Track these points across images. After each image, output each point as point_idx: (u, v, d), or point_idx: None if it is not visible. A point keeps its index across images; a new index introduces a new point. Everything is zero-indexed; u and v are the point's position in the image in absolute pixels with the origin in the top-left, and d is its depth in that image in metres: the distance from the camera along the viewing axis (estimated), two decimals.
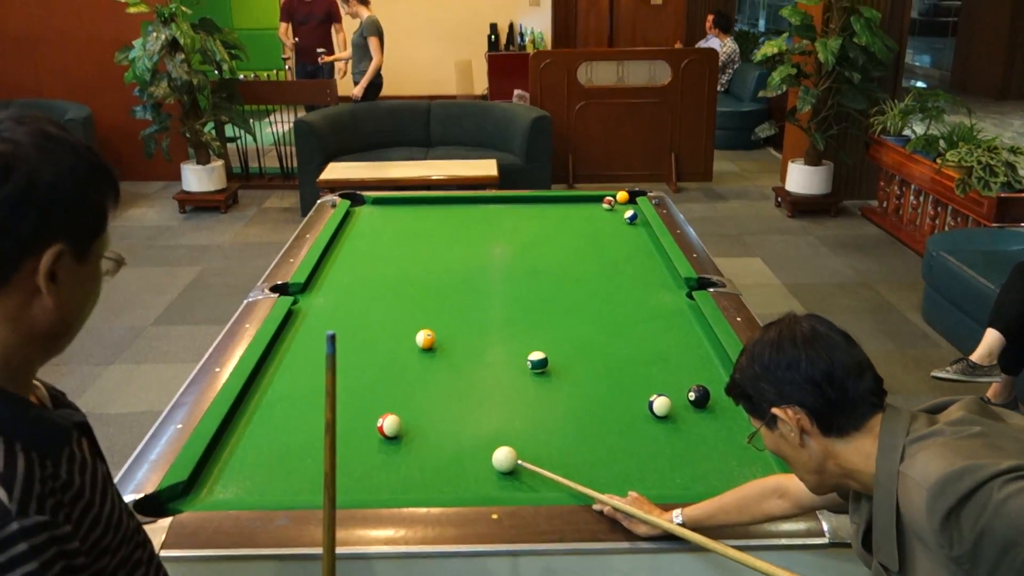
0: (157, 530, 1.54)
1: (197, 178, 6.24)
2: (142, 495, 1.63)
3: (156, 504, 1.64)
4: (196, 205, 6.33)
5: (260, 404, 2.07)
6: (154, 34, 5.75)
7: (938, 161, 4.93)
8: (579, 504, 1.64)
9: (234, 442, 1.90)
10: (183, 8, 5.86)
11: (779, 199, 6.39)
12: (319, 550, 1.49)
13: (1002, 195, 4.43)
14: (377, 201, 3.77)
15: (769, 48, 5.97)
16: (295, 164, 6.28)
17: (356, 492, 1.71)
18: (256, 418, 2.01)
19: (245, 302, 2.61)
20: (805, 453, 1.27)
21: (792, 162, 6.27)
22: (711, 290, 2.67)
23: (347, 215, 3.55)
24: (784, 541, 1.55)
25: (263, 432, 1.95)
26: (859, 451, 1.23)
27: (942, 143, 5.10)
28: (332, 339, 1.18)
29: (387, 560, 1.53)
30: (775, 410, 1.25)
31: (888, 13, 5.94)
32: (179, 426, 1.90)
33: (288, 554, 1.51)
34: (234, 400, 2.02)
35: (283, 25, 7.58)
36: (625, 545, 1.54)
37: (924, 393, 3.67)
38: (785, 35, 6.12)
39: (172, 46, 5.78)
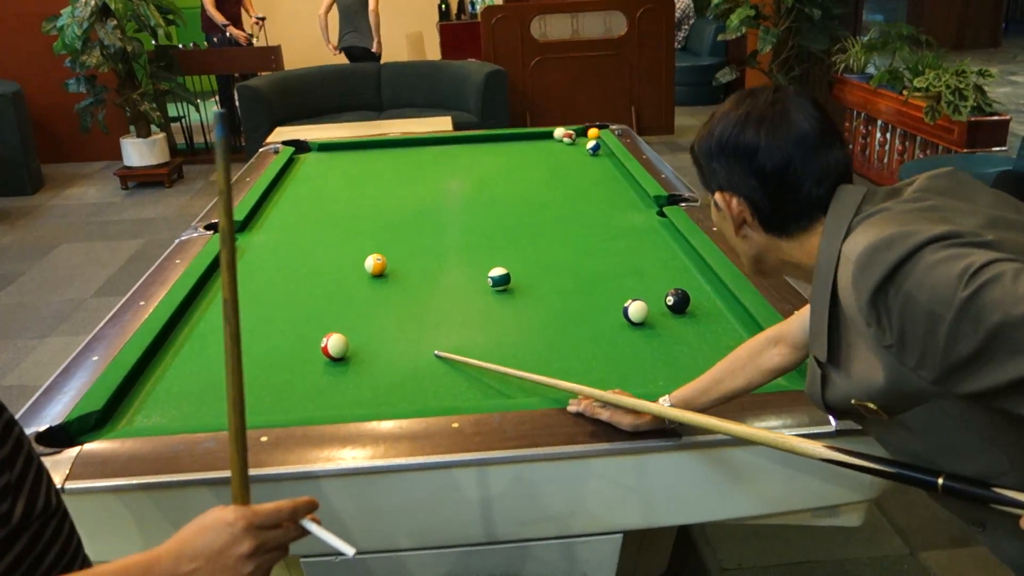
0: (61, 462, 1.32)
1: (138, 152, 5.94)
2: (46, 427, 1.41)
3: (65, 437, 1.42)
4: (139, 180, 6.03)
5: (190, 336, 1.84)
6: (83, 0, 5.44)
7: (904, 92, 4.80)
8: (552, 407, 1.44)
9: (159, 373, 1.68)
10: None
11: None
12: (256, 471, 1.28)
13: (972, 119, 4.30)
14: (324, 147, 3.53)
15: None
16: (244, 140, 6.00)
17: (298, 412, 1.50)
18: (186, 349, 1.78)
19: (177, 241, 2.37)
20: (744, 242, 1.15)
21: None
22: (683, 204, 2.49)
23: (291, 161, 3.32)
24: (784, 430, 1.36)
25: (192, 363, 1.73)
26: (803, 248, 1.10)
27: (907, 74, 4.96)
28: (221, 118, 0.93)
29: (336, 479, 1.32)
30: (718, 195, 1.12)
31: None
32: (95, 358, 1.68)
33: (216, 478, 1.29)
34: (160, 331, 1.79)
35: None
36: (605, 447, 1.34)
37: None
38: None
39: (103, 12, 5.47)
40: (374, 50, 6.56)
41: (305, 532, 0.93)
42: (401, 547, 1.39)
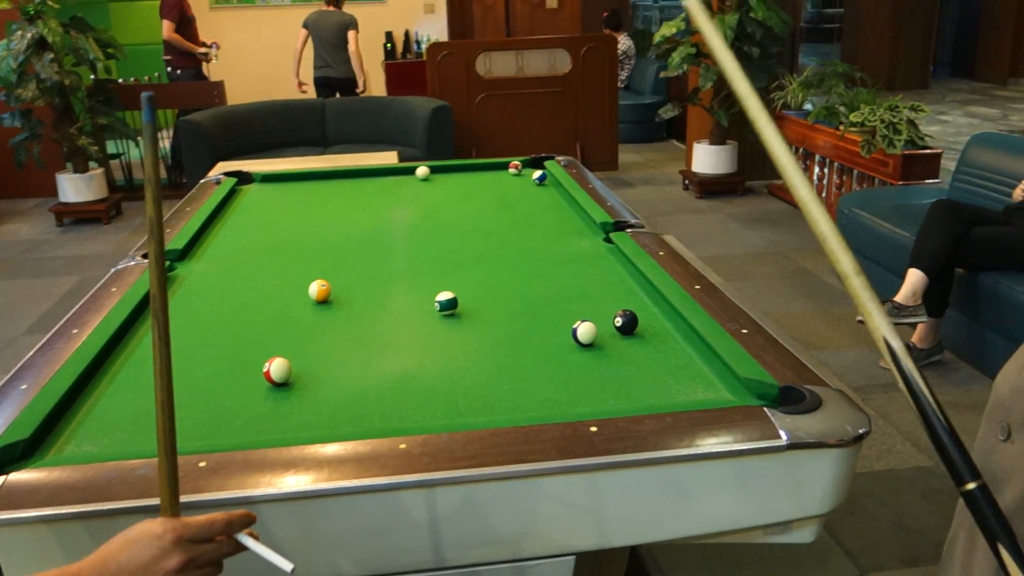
0: None
1: (75, 188, 5.81)
2: None
3: None
4: (75, 217, 5.89)
5: (126, 364, 1.78)
6: (19, 32, 5.33)
7: (840, 127, 4.92)
8: (502, 427, 1.41)
9: (92, 401, 1.61)
10: (51, 3, 5.45)
11: (687, 182, 6.33)
12: (193, 497, 1.23)
13: (906, 152, 4.42)
14: (267, 178, 3.48)
15: (667, 29, 5.93)
16: (184, 176, 5.90)
17: (239, 438, 1.45)
18: (121, 377, 1.72)
19: (113, 270, 2.30)
20: None
21: (697, 143, 6.23)
22: (629, 230, 2.50)
23: (234, 192, 3.26)
24: (738, 447, 1.36)
25: (128, 390, 1.66)
26: None
27: (843, 110, 5.10)
28: (150, 101, 0.89)
29: (278, 503, 1.27)
30: None
31: None
32: (24, 387, 1.60)
33: (151, 505, 1.23)
34: (93, 359, 1.72)
35: (169, 24, 7.02)
36: (556, 465, 1.31)
37: (849, 347, 3.58)
38: (682, 15, 6.09)
39: (40, 45, 5.37)
40: (359, 89, 6.72)
41: (241, 547, 0.89)
42: (347, 574, 1.34)
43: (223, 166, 5.12)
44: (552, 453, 1.33)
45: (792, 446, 1.35)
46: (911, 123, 4.49)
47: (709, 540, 1.47)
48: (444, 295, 1.97)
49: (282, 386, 1.63)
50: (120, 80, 6.50)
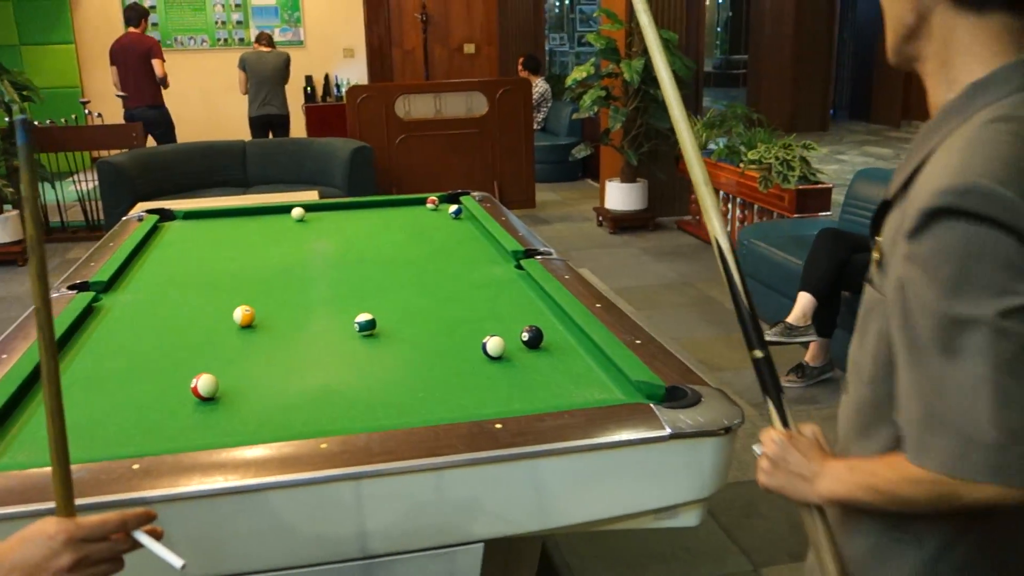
0: None
1: None
2: None
3: None
4: None
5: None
6: None
7: (741, 165, 5.24)
8: (419, 426, 1.55)
9: (23, 420, 1.69)
10: None
11: (600, 218, 6.58)
12: (123, 495, 1.34)
13: (800, 187, 4.74)
14: (190, 215, 3.57)
15: (578, 73, 6.21)
16: (102, 216, 5.90)
17: (169, 444, 1.55)
18: None
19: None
20: (914, 7, 1.04)
21: (609, 181, 6.50)
22: (538, 257, 2.67)
23: (156, 229, 3.34)
24: (627, 437, 1.52)
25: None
26: (955, 45, 1.03)
27: (743, 149, 5.42)
28: (23, 124, 0.94)
29: (207, 499, 1.38)
30: None
31: (684, 35, 6.31)
32: None
33: (88, 503, 1.33)
34: (24, 381, 1.80)
35: (113, 69, 7.23)
36: (464, 457, 1.45)
37: (749, 367, 3.80)
38: (592, 60, 6.39)
39: None
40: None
41: (137, 545, 0.94)
42: (277, 565, 1.45)
43: (143, 206, 5.16)
44: (460, 447, 1.47)
45: (674, 436, 1.51)
46: (804, 160, 4.82)
47: (606, 527, 1.62)
48: (363, 316, 2.10)
49: (209, 400, 1.74)
50: (36, 123, 6.47)
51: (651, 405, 1.60)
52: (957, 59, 1.03)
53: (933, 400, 0.95)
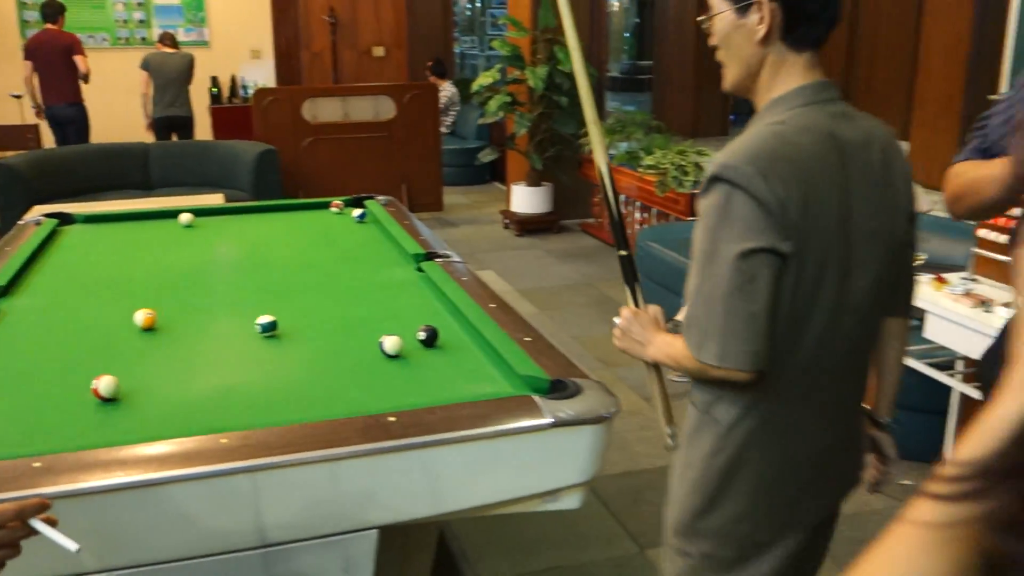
0: None
1: None
2: None
3: None
4: None
5: None
6: None
7: (640, 170, 5.45)
8: (317, 421, 1.64)
9: None
10: None
11: (507, 221, 6.73)
12: (24, 491, 1.39)
13: (694, 191, 4.96)
14: (91, 219, 3.55)
15: (484, 79, 6.33)
16: None
17: (70, 443, 1.60)
18: None
19: None
20: (756, 50, 1.39)
21: (515, 185, 6.65)
22: (438, 260, 2.78)
23: (56, 233, 3.31)
24: (511, 427, 1.64)
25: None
26: (780, 74, 1.40)
27: (642, 154, 5.63)
28: None
29: (109, 494, 1.44)
30: (757, 5, 1.38)
31: (588, 43, 6.51)
32: None
33: None
34: None
35: (28, 65, 7.05)
36: (356, 448, 1.55)
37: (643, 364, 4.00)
38: (498, 66, 6.53)
39: None
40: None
41: (33, 532, 1.01)
42: (179, 555, 1.52)
43: (39, 209, 5.06)
44: (355, 439, 1.57)
45: (555, 424, 1.64)
46: (698, 166, 5.05)
47: (495, 511, 1.74)
48: (264, 318, 2.17)
49: (111, 401, 1.79)
50: None
51: (535, 397, 1.72)
52: (778, 83, 1.41)
53: (692, 305, 1.38)
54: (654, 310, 1.65)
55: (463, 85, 9.93)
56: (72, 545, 0.98)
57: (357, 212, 3.52)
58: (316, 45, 10.24)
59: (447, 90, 9.07)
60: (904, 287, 1.56)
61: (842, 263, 1.38)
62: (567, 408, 1.68)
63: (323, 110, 6.78)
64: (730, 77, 1.46)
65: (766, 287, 1.31)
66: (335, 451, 1.54)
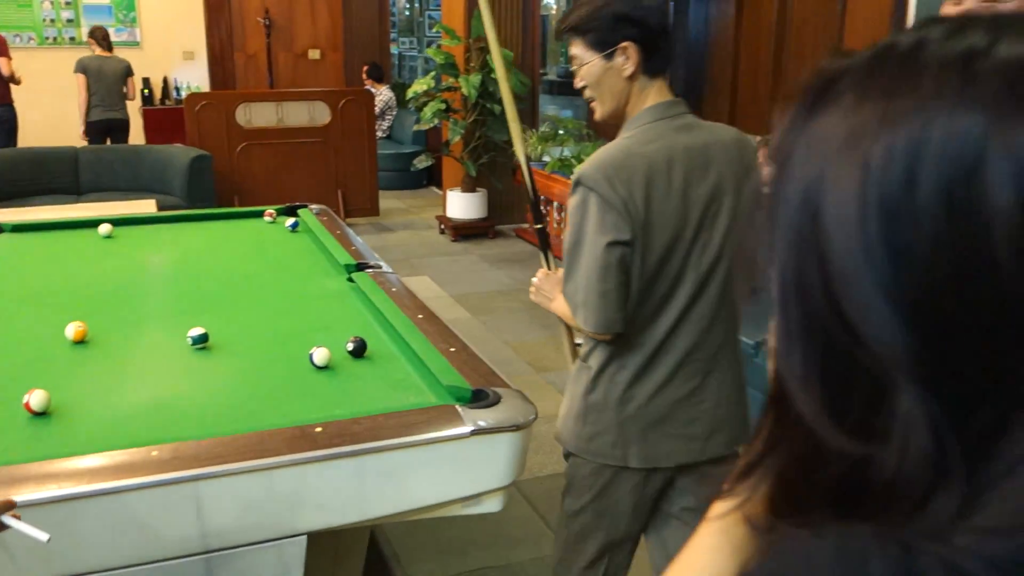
0: None
1: None
2: None
3: None
4: None
5: None
6: None
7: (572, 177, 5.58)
8: (248, 432, 1.70)
9: None
10: None
11: (442, 226, 6.81)
12: None
13: None
14: (19, 228, 3.53)
15: (419, 86, 6.40)
16: None
17: (3, 458, 1.64)
18: None
19: None
20: (625, 85, 1.74)
21: (451, 191, 6.73)
22: (368, 271, 2.85)
23: None
24: (433, 436, 1.73)
25: None
26: (642, 99, 1.76)
27: (574, 162, 5.76)
28: None
29: (41, 507, 1.49)
30: (621, 49, 1.72)
31: (520, 53, 6.62)
32: None
33: None
34: None
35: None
36: (288, 458, 1.62)
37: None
38: (432, 73, 6.60)
39: None
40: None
41: (3, 526, 1.10)
42: (114, 565, 1.57)
43: None
44: (283, 450, 1.64)
45: (475, 432, 1.74)
46: None
47: (419, 515, 1.82)
48: (196, 330, 2.23)
49: (42, 415, 1.83)
50: None
51: (457, 406, 1.82)
52: (639, 107, 1.76)
53: (566, 282, 1.83)
54: (561, 273, 1.91)
55: (400, 88, 9.97)
56: (42, 536, 1.05)
57: (290, 221, 3.57)
58: (251, 47, 10.18)
59: (384, 94, 9.11)
60: None
61: (687, 243, 1.75)
62: (487, 417, 1.78)
63: (257, 115, 6.77)
64: (604, 111, 1.81)
65: (615, 270, 1.70)
66: (263, 462, 1.61)
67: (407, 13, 19.67)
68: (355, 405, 1.91)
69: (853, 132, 0.45)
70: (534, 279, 2.06)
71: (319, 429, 1.71)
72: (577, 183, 1.72)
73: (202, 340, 2.22)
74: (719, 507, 0.55)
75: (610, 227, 1.67)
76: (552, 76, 21.96)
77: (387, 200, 7.58)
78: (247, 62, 10.21)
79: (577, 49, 1.77)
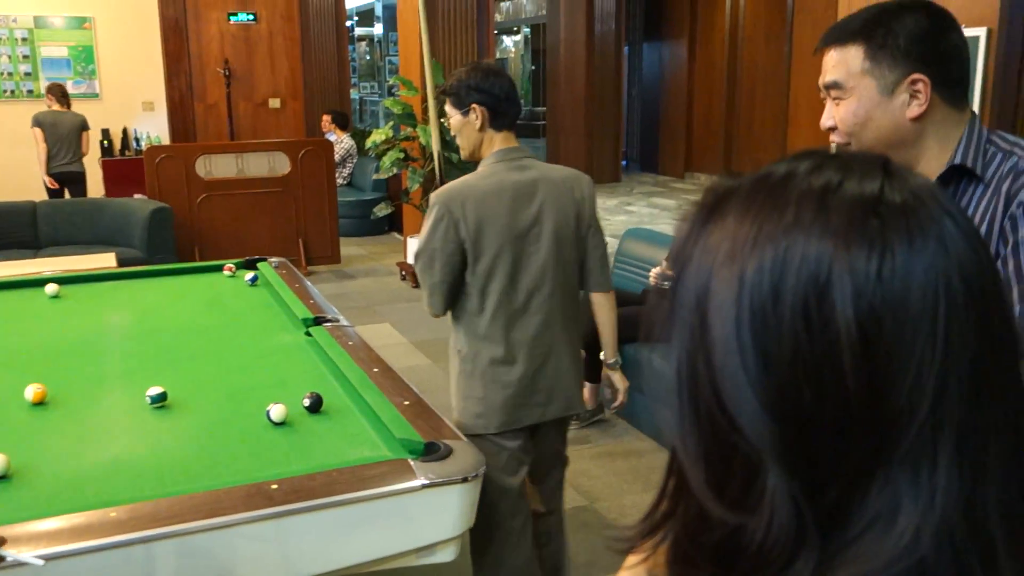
0: None
1: None
2: None
3: None
4: None
5: None
6: None
7: None
8: (205, 490, 1.75)
9: None
10: None
11: (403, 272, 6.87)
12: None
13: None
14: None
15: (378, 135, 6.51)
16: None
17: None
18: None
19: None
20: (477, 134, 2.36)
21: (411, 237, 6.81)
22: (326, 325, 2.91)
23: None
24: (387, 489, 1.79)
25: None
26: (490, 145, 2.37)
27: None
28: None
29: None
30: (473, 108, 2.32)
31: None
32: None
33: None
34: None
35: None
36: (242, 516, 1.68)
37: None
38: (391, 123, 6.71)
39: None
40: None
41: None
42: None
43: None
44: (239, 507, 1.69)
45: (426, 486, 1.80)
46: None
47: (375, 567, 1.88)
48: (154, 390, 2.27)
49: (1, 479, 1.86)
50: None
51: (410, 460, 1.88)
52: (488, 151, 2.37)
53: (417, 274, 2.45)
54: None
55: (361, 135, 10.08)
56: (38, 561, 1.11)
57: (249, 275, 3.62)
58: (211, 97, 10.26)
59: (345, 142, 9.21)
60: (593, 269, 2.44)
61: (514, 254, 2.29)
62: (438, 469, 1.84)
63: (217, 166, 6.82)
64: (464, 153, 2.45)
65: (442, 268, 2.31)
66: (219, 520, 1.66)
67: (368, 58, 19.89)
68: (311, 460, 1.96)
69: (732, 249, 0.53)
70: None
71: (275, 486, 1.76)
72: (431, 203, 2.32)
73: (160, 399, 2.27)
74: (631, 559, 0.64)
75: (446, 237, 2.27)
76: None
77: (349, 247, 7.64)
78: (207, 111, 10.27)
79: (447, 107, 2.39)
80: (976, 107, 2.37)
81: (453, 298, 2.39)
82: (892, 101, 1.40)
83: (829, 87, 1.46)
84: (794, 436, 0.51)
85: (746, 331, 0.51)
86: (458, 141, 2.42)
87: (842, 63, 1.42)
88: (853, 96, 1.42)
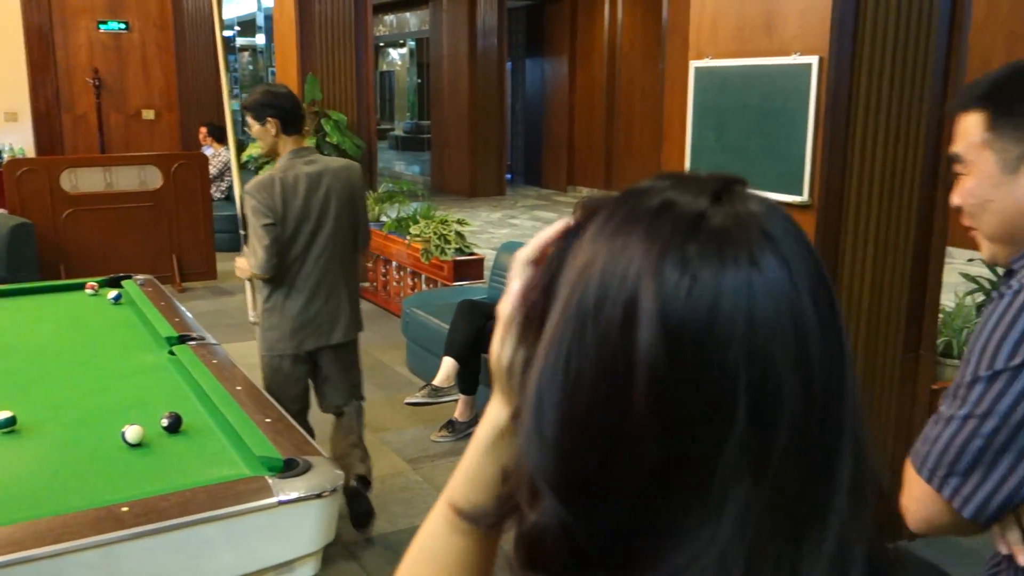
0: None
1: None
2: None
3: None
4: None
5: None
6: None
7: (408, 238, 5.71)
8: (44, 517, 1.71)
9: None
10: None
11: None
12: None
13: (456, 259, 5.28)
14: None
15: (254, 149, 6.41)
16: None
17: None
18: None
19: None
20: (273, 139, 3.06)
21: None
22: (191, 343, 2.87)
23: None
24: (241, 508, 1.79)
25: None
26: (284, 146, 3.10)
27: (411, 222, 5.91)
28: None
29: None
30: (268, 121, 3.02)
31: (356, 117, 6.75)
32: None
33: None
34: None
35: None
36: (89, 541, 1.65)
37: (409, 427, 4.21)
38: None
39: None
40: None
41: None
42: None
43: None
44: (86, 531, 1.66)
45: (282, 503, 1.81)
46: (459, 234, 5.38)
47: None
48: (2, 414, 2.20)
49: None
50: None
51: (267, 477, 1.88)
52: (284, 151, 3.08)
53: (249, 250, 3.14)
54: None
55: (242, 147, 9.86)
56: None
57: (112, 294, 3.52)
58: (80, 107, 9.86)
59: (223, 155, 9.00)
60: (360, 233, 3.23)
61: (311, 225, 3.02)
62: (295, 486, 1.85)
63: (84, 180, 6.57)
64: (263, 152, 3.18)
65: (265, 237, 2.96)
66: (62, 546, 1.63)
67: (250, 67, 19.49)
68: (167, 481, 1.94)
69: (586, 263, 0.54)
70: (237, 261, 3.27)
71: (126, 508, 1.74)
72: (246, 192, 3.02)
73: (9, 424, 2.19)
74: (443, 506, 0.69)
75: (262, 216, 2.96)
76: (399, 132, 22.22)
77: (225, 262, 7.45)
78: (76, 122, 9.87)
79: (249, 119, 3.05)
80: (810, 130, 2.55)
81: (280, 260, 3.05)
82: (1016, 180, 1.17)
83: (952, 160, 1.26)
84: (569, 468, 0.53)
85: (567, 344, 0.53)
86: (259, 143, 3.16)
87: (963, 132, 1.22)
88: (972, 172, 1.21)
